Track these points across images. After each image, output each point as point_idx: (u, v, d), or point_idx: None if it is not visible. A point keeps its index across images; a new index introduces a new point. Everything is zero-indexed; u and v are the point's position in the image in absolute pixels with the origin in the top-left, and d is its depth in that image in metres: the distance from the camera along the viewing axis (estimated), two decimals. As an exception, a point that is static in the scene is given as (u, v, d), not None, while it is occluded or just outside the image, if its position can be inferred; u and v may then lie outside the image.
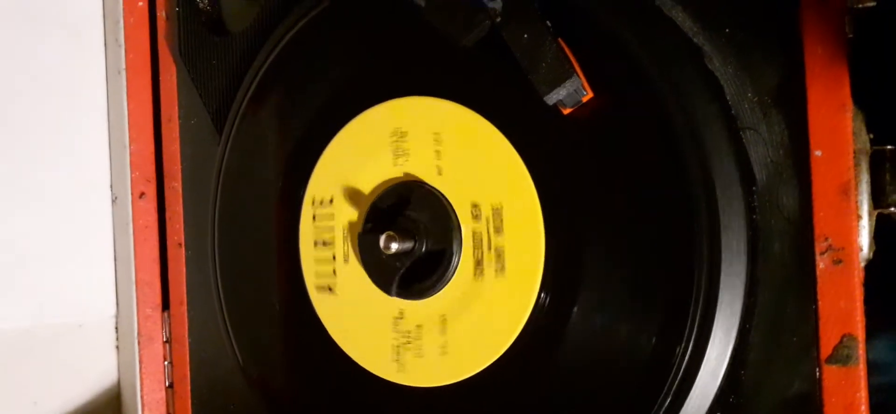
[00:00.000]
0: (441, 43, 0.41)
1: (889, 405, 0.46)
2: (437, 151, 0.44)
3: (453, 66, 0.44)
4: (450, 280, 0.44)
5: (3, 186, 0.54)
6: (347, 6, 0.48)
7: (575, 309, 0.41)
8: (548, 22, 0.38)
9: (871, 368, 0.38)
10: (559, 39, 0.38)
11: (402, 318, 0.46)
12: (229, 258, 0.54)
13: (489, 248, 0.43)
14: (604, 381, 0.41)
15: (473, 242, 0.43)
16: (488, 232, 0.43)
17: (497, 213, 0.43)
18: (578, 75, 0.38)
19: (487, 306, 0.43)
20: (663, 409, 0.39)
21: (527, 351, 0.42)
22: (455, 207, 0.44)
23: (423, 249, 0.44)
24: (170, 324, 0.58)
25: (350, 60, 0.48)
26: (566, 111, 0.39)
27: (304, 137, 0.50)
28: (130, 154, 0.58)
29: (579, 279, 0.41)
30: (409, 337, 0.45)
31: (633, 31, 0.39)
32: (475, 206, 0.43)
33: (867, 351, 0.37)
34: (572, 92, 0.38)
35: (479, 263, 0.43)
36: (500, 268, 0.43)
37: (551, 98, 0.38)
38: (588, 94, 0.39)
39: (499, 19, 0.38)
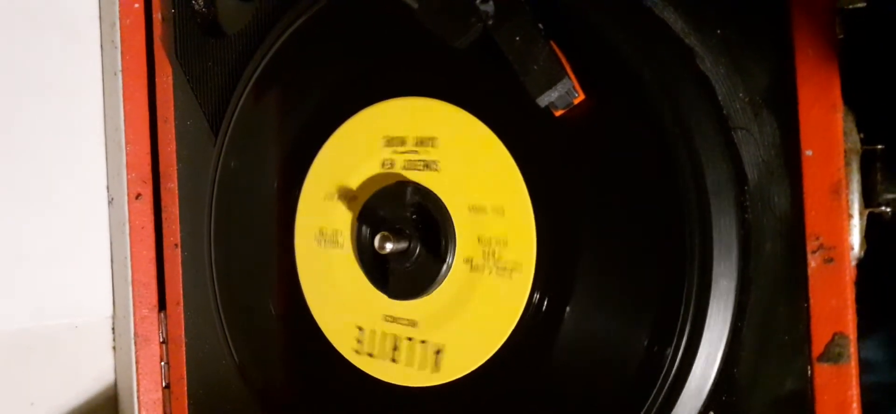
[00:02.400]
0: (435, 44, 0.41)
1: (881, 404, 0.46)
2: (431, 152, 0.44)
3: (447, 68, 0.44)
4: (444, 280, 0.44)
5: (0, 187, 0.54)
6: (342, 8, 0.48)
7: (567, 308, 0.41)
8: (540, 24, 0.38)
9: (863, 367, 0.38)
10: (551, 42, 0.38)
11: (397, 318, 0.46)
12: (225, 259, 0.54)
13: (482, 248, 0.43)
14: (596, 380, 0.41)
15: (467, 242, 0.43)
16: (481, 233, 0.43)
17: (489, 213, 0.43)
18: (570, 77, 0.38)
19: (480, 306, 0.43)
20: (656, 407, 0.39)
21: (519, 350, 0.42)
22: (449, 208, 0.44)
23: (418, 249, 0.44)
24: (166, 324, 0.58)
25: (345, 62, 0.48)
26: (558, 113, 0.39)
27: (300, 138, 0.50)
28: (127, 155, 0.58)
29: (571, 279, 0.41)
30: (403, 337, 0.46)
31: (624, 33, 0.39)
32: (468, 206, 0.43)
33: (859, 350, 0.37)
34: (564, 94, 0.38)
35: (472, 264, 0.43)
36: (493, 268, 0.43)
37: (543, 100, 0.38)
38: (580, 96, 0.39)
39: (491, 22, 0.38)
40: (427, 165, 0.45)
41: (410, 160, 0.45)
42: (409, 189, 0.44)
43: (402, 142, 0.45)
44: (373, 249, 0.44)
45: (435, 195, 0.44)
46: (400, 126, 0.45)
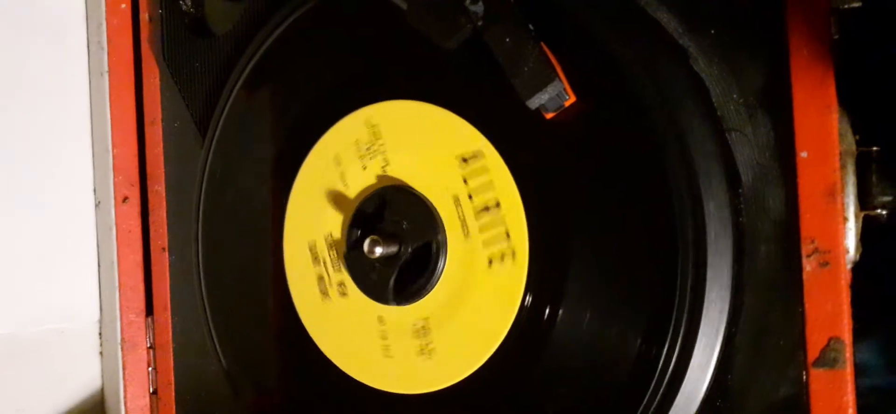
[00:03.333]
0: (424, 46, 0.41)
1: (876, 408, 0.46)
2: (421, 155, 0.44)
3: (436, 70, 0.43)
4: (438, 280, 0.43)
5: (-16, 190, 0.54)
6: (331, 9, 0.47)
7: (560, 312, 0.41)
8: (530, 25, 0.38)
9: (859, 371, 0.38)
10: (541, 43, 0.38)
11: (386, 323, 0.45)
12: (213, 263, 0.53)
13: (473, 252, 0.42)
14: (590, 385, 0.40)
15: (458, 247, 0.43)
16: (472, 237, 0.42)
17: (481, 217, 0.42)
18: (561, 79, 0.37)
19: (473, 311, 0.43)
20: (650, 412, 0.38)
21: (512, 355, 0.42)
22: (440, 211, 0.43)
23: (409, 251, 0.43)
24: (154, 329, 0.57)
25: (333, 63, 0.48)
26: (549, 116, 0.39)
27: (289, 140, 0.49)
28: (113, 157, 0.57)
29: (564, 283, 0.41)
30: (394, 342, 0.45)
31: (617, 33, 0.39)
32: (460, 210, 0.43)
33: (854, 354, 0.37)
34: (555, 96, 0.37)
35: (463, 268, 0.43)
36: (485, 272, 0.42)
37: (534, 102, 0.37)
38: (571, 99, 0.38)
39: (481, 23, 0.38)
40: (416, 168, 0.44)
41: (400, 163, 0.45)
42: (395, 191, 0.44)
43: (391, 144, 0.45)
44: (363, 256, 0.43)
45: (421, 195, 0.44)
46: (388, 128, 0.45)
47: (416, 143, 0.44)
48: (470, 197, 0.43)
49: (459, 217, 0.43)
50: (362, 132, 0.46)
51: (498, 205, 0.42)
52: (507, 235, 0.41)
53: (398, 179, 0.45)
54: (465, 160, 0.43)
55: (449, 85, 0.43)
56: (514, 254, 0.41)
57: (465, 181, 0.43)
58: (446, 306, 0.43)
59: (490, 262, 0.42)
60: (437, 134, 0.44)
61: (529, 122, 0.40)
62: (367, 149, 0.46)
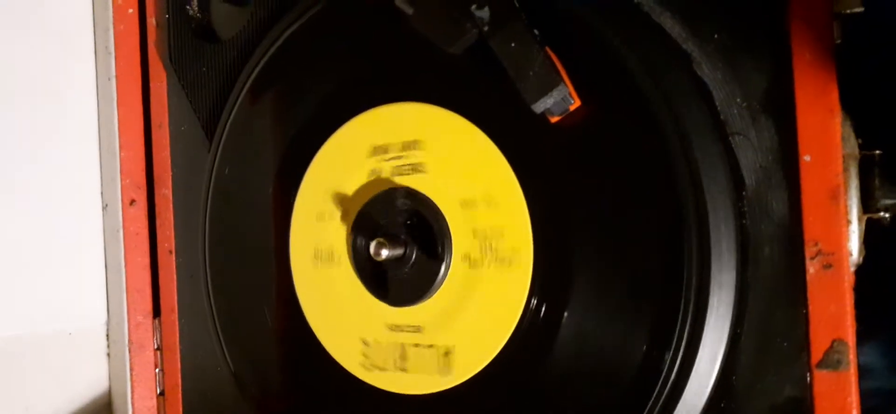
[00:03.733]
0: (430, 50, 0.41)
1: (879, 410, 0.46)
2: (427, 157, 0.44)
3: (443, 74, 0.44)
4: (444, 280, 0.44)
5: (-8, 193, 0.54)
6: (337, 13, 0.48)
7: (565, 315, 0.41)
8: (535, 31, 0.38)
9: (862, 373, 0.38)
10: (546, 48, 0.38)
11: (401, 326, 0.46)
12: (220, 265, 0.53)
13: (479, 242, 0.43)
14: (595, 386, 0.41)
15: (463, 238, 0.43)
16: (477, 238, 0.43)
17: (486, 219, 0.42)
18: (566, 84, 0.38)
19: (483, 301, 0.43)
20: (655, 413, 0.39)
21: (516, 357, 0.42)
22: (441, 207, 0.43)
23: (415, 252, 0.44)
24: (161, 331, 0.58)
25: (339, 66, 0.48)
26: (554, 120, 0.39)
27: (295, 143, 0.50)
28: (121, 161, 0.58)
29: (569, 285, 0.41)
30: (410, 344, 0.45)
31: (621, 38, 0.39)
32: (460, 202, 0.43)
33: (858, 357, 0.37)
34: (560, 100, 0.38)
35: (470, 260, 0.43)
36: (491, 260, 0.42)
37: (539, 106, 0.38)
38: (575, 103, 0.39)
39: (486, 28, 0.38)
40: (422, 170, 0.44)
41: (398, 166, 0.45)
42: (400, 194, 0.44)
43: (397, 147, 0.45)
44: (370, 258, 0.43)
45: (426, 197, 0.44)
46: (395, 131, 0.45)
47: (417, 145, 0.45)
48: (474, 196, 0.43)
49: (465, 220, 0.43)
50: (370, 135, 0.46)
51: (502, 207, 0.42)
52: (511, 238, 0.42)
53: (401, 182, 0.45)
54: (466, 160, 0.43)
55: (454, 88, 0.44)
56: (518, 257, 0.41)
57: (468, 181, 0.43)
58: (455, 304, 0.43)
59: (494, 264, 0.42)
60: (438, 134, 0.44)
61: (533, 124, 0.40)
62: (374, 151, 0.46)
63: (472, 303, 0.43)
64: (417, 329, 0.45)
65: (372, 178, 0.46)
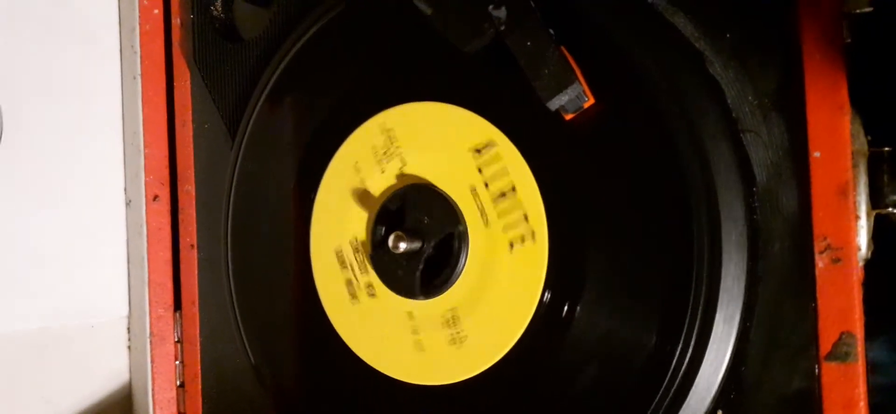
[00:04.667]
0: (449, 50, 0.42)
1: (888, 406, 0.46)
2: (436, 151, 0.45)
3: (463, 73, 0.44)
4: (462, 270, 0.44)
5: (19, 189, 0.55)
6: (357, 14, 0.49)
7: (578, 308, 0.42)
8: (550, 30, 0.39)
9: (870, 368, 0.38)
10: (561, 47, 0.39)
11: (416, 318, 0.46)
12: (241, 260, 0.54)
13: (494, 238, 0.44)
14: (607, 378, 0.41)
15: (479, 234, 0.44)
16: (492, 223, 0.44)
17: (499, 203, 0.43)
18: (580, 82, 0.39)
19: (499, 295, 0.44)
20: (665, 404, 0.39)
21: (530, 350, 0.43)
22: (458, 202, 0.44)
23: (432, 245, 0.45)
24: (181, 324, 0.58)
25: (360, 65, 0.49)
26: (568, 117, 0.40)
27: (316, 141, 0.51)
28: (145, 158, 0.59)
29: (582, 279, 0.42)
30: (425, 336, 0.46)
31: (635, 38, 0.40)
32: (477, 199, 0.44)
33: (867, 352, 0.38)
34: (574, 98, 0.38)
35: (486, 255, 0.44)
36: (507, 256, 0.43)
37: (553, 104, 0.39)
38: (589, 100, 0.40)
39: (503, 27, 0.39)
40: (441, 168, 0.45)
41: (425, 162, 0.46)
42: (414, 190, 0.45)
43: (416, 144, 0.46)
44: (389, 254, 0.44)
45: (447, 196, 0.45)
46: (413, 129, 0.46)
47: (429, 140, 0.46)
48: (486, 185, 0.44)
49: (478, 206, 0.44)
50: (378, 137, 0.47)
51: (514, 190, 0.43)
52: (526, 218, 0.43)
53: (416, 177, 0.46)
54: (478, 151, 0.44)
55: (459, 82, 0.45)
56: (533, 235, 0.42)
57: (480, 171, 0.44)
58: (473, 294, 0.44)
59: (511, 245, 0.43)
60: (450, 129, 0.45)
61: (546, 119, 0.41)
62: (385, 152, 0.47)
63: (492, 287, 0.44)
64: (441, 319, 0.46)
65: (387, 178, 0.47)
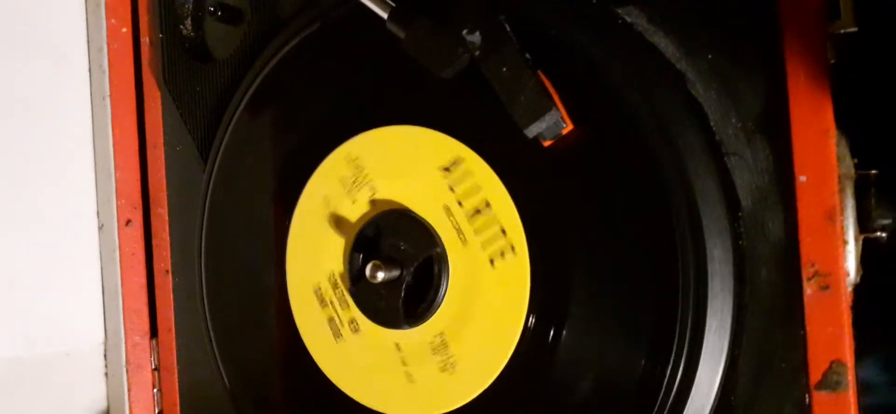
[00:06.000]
0: (425, 73, 0.41)
1: (880, 427, 0.46)
2: (405, 176, 0.44)
3: (438, 97, 0.43)
4: (444, 297, 0.44)
5: (-12, 213, 0.54)
6: (330, 35, 0.47)
7: (562, 337, 0.41)
8: (527, 54, 0.38)
9: (861, 389, 0.37)
10: (538, 72, 0.38)
11: (404, 349, 0.45)
12: (216, 285, 0.53)
13: (474, 256, 0.43)
14: (593, 409, 0.40)
15: (458, 254, 0.43)
16: (470, 241, 0.43)
17: (474, 220, 0.42)
18: (558, 108, 0.37)
19: (485, 313, 0.43)
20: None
21: (516, 378, 0.42)
22: (433, 224, 0.43)
23: (411, 271, 0.44)
24: (158, 351, 0.58)
25: (333, 88, 0.48)
26: (546, 144, 0.39)
27: (290, 164, 0.50)
28: (116, 181, 0.58)
29: (566, 308, 0.41)
30: (415, 366, 0.45)
31: (614, 60, 0.39)
32: (452, 219, 0.43)
33: (858, 372, 0.37)
34: (552, 125, 0.37)
35: (468, 274, 0.43)
36: (489, 273, 0.42)
37: (531, 131, 0.37)
38: (568, 127, 0.39)
39: (478, 52, 0.38)
40: (417, 193, 0.44)
41: (401, 188, 0.45)
42: (387, 216, 0.44)
43: (391, 170, 0.45)
44: (368, 285, 0.43)
45: (425, 221, 0.44)
46: (389, 154, 0.45)
47: (397, 165, 0.45)
48: (460, 203, 0.43)
49: (454, 225, 0.43)
50: (345, 168, 0.46)
51: (488, 205, 0.42)
52: (503, 232, 0.42)
53: (389, 202, 0.45)
54: (446, 169, 0.43)
55: (422, 102, 0.44)
56: (513, 248, 0.41)
57: (451, 189, 0.43)
58: (459, 315, 0.43)
59: (491, 261, 0.42)
60: (416, 151, 0.44)
61: (527, 147, 0.40)
62: (354, 182, 0.46)
63: (477, 307, 0.43)
64: (429, 346, 0.45)
65: (359, 207, 0.46)
